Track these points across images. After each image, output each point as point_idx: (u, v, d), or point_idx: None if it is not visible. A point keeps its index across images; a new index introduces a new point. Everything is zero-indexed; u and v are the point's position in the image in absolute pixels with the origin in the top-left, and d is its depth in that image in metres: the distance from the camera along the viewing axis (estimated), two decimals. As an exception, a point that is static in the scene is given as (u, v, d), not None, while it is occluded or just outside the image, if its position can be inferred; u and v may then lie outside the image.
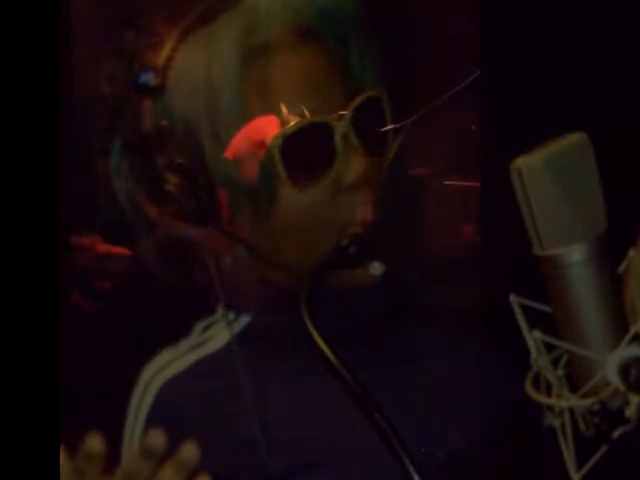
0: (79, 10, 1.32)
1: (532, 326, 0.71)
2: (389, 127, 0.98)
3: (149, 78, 1.08)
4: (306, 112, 0.99)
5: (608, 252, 0.69)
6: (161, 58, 1.13)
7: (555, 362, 0.72)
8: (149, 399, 1.03)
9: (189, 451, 0.72)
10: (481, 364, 0.94)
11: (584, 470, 0.69)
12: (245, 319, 1.03)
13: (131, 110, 1.35)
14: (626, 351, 0.67)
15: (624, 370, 0.67)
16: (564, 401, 0.70)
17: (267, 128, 0.98)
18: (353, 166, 0.94)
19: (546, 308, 0.72)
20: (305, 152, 0.96)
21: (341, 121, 0.94)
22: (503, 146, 0.85)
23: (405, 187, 1.12)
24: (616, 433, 0.68)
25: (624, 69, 0.75)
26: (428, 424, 0.94)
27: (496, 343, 0.89)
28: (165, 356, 1.05)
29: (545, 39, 0.77)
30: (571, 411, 0.70)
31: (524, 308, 0.72)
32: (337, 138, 0.94)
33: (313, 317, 0.83)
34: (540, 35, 0.77)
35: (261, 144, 0.97)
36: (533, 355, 0.71)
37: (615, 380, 0.67)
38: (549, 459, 0.72)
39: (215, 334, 1.05)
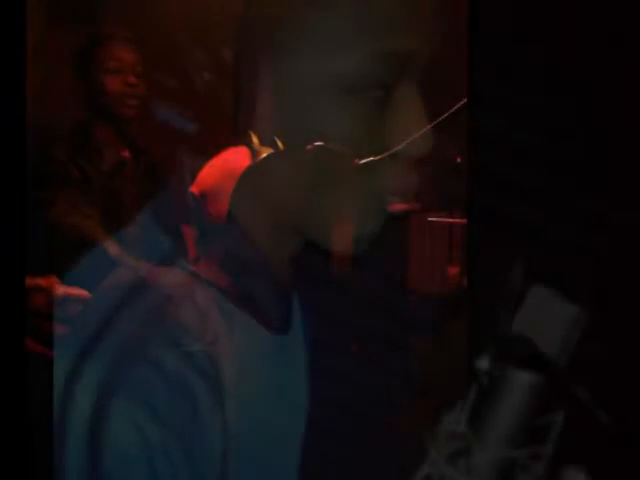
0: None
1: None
2: (366, 160, 0.91)
3: None
4: (279, 142, 0.92)
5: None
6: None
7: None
8: None
9: None
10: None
11: None
12: None
13: (93, 142, 1.31)
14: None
15: None
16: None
17: (237, 159, 0.92)
18: None
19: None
20: None
21: None
22: (491, 181, 0.79)
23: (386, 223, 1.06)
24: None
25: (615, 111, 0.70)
26: None
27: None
28: None
29: (535, 67, 0.72)
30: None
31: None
32: None
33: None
34: (529, 63, 0.72)
35: (230, 177, 0.90)
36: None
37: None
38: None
39: None
